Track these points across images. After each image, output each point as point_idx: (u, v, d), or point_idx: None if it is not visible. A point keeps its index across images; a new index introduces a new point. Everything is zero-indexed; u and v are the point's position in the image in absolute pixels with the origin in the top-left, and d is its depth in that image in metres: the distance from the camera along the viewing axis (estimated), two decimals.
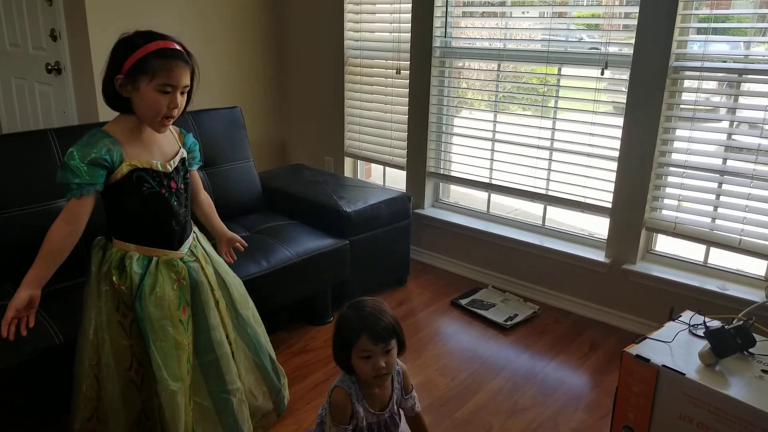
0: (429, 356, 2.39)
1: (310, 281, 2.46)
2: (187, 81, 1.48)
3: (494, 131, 2.93)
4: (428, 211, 3.22)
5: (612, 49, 2.48)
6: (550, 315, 2.75)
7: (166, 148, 1.58)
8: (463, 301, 2.82)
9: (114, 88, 1.45)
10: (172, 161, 1.57)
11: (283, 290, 2.34)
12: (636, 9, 2.35)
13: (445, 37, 2.96)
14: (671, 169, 2.44)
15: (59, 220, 1.46)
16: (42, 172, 2.16)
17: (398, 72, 3.15)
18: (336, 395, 1.55)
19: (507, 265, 2.97)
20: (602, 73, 2.49)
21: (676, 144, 2.42)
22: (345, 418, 1.55)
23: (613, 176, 2.56)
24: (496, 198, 3.10)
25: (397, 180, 3.43)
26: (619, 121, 2.50)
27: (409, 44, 3.06)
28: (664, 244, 2.63)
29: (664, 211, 2.51)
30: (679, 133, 2.41)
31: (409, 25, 3.03)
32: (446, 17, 2.93)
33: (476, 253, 3.07)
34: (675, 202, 2.47)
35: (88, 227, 1.50)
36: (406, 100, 3.16)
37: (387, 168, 3.48)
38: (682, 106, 2.38)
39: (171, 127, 1.61)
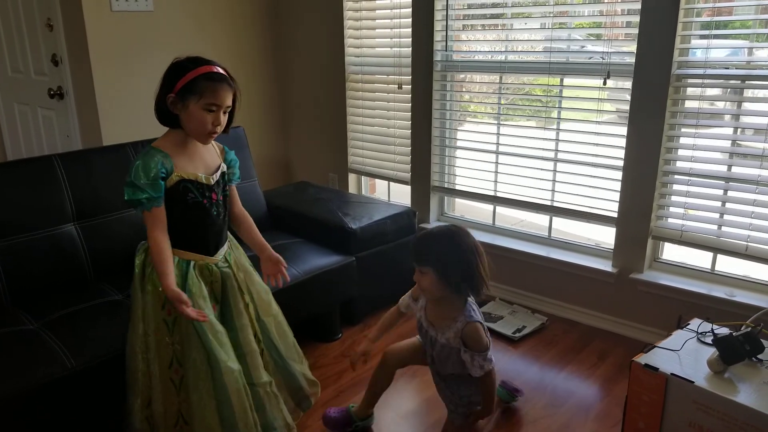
0: None
1: (317, 299, 2.46)
2: (229, 102, 1.65)
3: (498, 144, 2.93)
4: (433, 225, 3.22)
5: (614, 59, 2.48)
6: (558, 326, 2.74)
7: (209, 161, 1.73)
8: None
9: (165, 106, 1.62)
10: (214, 174, 1.72)
11: (290, 309, 2.31)
12: (637, 18, 2.36)
13: (446, 50, 2.98)
14: (676, 177, 2.43)
15: (150, 231, 1.61)
16: (48, 198, 2.17)
17: (400, 87, 3.16)
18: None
19: (514, 277, 2.96)
20: (605, 83, 2.49)
21: (681, 152, 2.42)
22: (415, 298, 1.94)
23: (618, 185, 2.55)
24: (501, 210, 3.10)
25: (402, 195, 3.43)
26: (623, 130, 2.49)
27: (410, 59, 3.07)
28: (671, 252, 2.62)
29: (670, 220, 2.50)
30: (683, 140, 2.41)
31: (410, 39, 3.05)
32: (446, 30, 2.94)
33: None
34: (681, 210, 2.46)
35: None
36: (409, 114, 3.16)
37: (391, 183, 3.48)
38: (685, 113, 2.38)
39: (215, 143, 1.79)
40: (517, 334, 2.62)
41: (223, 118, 1.65)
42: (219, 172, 1.74)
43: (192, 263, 1.68)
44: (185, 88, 1.58)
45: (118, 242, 2.31)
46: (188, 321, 1.61)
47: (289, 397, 1.97)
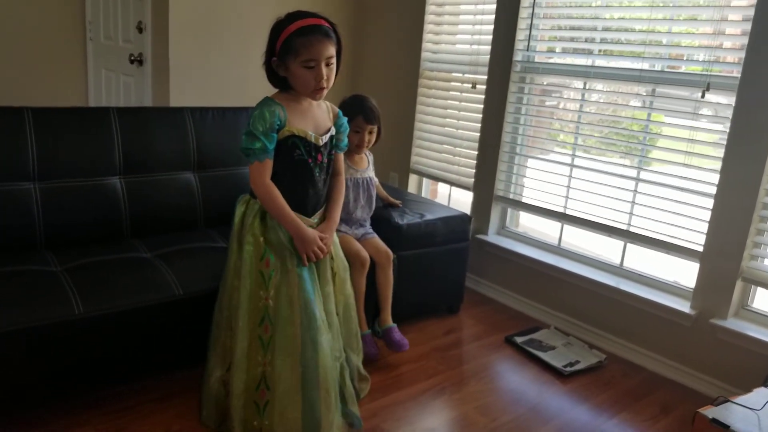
0: (470, 391, 2.14)
1: None
2: (329, 52, 1.59)
3: (573, 155, 2.67)
4: (492, 238, 2.98)
5: (715, 68, 2.18)
6: (618, 367, 2.42)
7: (320, 121, 1.71)
8: (519, 339, 2.54)
9: (273, 70, 1.62)
10: (324, 136, 1.70)
11: None
12: (748, 26, 2.06)
13: (527, 50, 2.77)
14: None
15: (260, 180, 1.62)
16: (99, 148, 2.18)
17: (474, 86, 2.97)
18: None
19: (574, 306, 2.66)
20: (703, 96, 2.19)
21: None
22: None
23: (707, 215, 2.24)
24: (568, 237, 2.81)
25: (464, 205, 3.22)
26: (720, 152, 2.18)
27: (488, 57, 2.89)
28: (764, 299, 2.25)
29: (767, 261, 2.14)
30: None
31: (490, 37, 2.87)
32: (530, 30, 2.73)
33: (541, 290, 2.78)
34: None
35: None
36: (480, 116, 2.97)
37: (453, 191, 3.29)
38: None
39: (329, 105, 1.78)
40: (569, 368, 2.33)
41: (327, 71, 1.59)
42: (328, 135, 1.71)
43: None
44: (282, 48, 1.57)
45: (161, 203, 2.29)
46: (285, 276, 1.63)
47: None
